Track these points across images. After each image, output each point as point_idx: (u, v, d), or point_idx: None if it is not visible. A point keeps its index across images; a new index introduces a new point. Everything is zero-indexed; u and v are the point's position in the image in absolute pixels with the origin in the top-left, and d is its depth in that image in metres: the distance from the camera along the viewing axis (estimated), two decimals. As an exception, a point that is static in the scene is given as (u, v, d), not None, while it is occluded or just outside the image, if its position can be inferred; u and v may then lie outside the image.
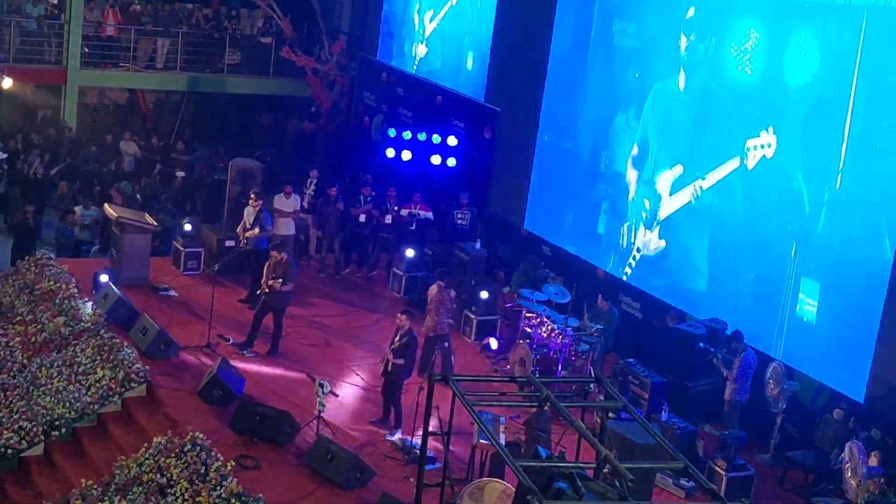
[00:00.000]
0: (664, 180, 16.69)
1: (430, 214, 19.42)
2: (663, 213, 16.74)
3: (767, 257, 15.13)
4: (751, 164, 15.22)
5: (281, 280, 15.56)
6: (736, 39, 15.66)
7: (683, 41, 16.50)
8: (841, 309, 14.19)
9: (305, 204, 19.65)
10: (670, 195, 16.52)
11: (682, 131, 16.52)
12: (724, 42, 15.82)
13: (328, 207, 19.30)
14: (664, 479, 13.37)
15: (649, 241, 16.93)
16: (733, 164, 15.56)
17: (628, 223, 17.45)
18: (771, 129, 15.06)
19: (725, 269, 15.78)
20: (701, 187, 16.02)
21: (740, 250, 15.58)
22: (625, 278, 17.39)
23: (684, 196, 16.28)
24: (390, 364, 14.07)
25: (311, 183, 20.04)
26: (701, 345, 14.98)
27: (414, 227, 19.19)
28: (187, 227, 18.79)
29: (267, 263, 15.94)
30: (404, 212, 19.24)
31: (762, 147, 15.09)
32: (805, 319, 14.53)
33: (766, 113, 15.18)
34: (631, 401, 14.28)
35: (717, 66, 15.95)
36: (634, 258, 17.21)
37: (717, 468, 13.42)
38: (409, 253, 18.51)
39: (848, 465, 12.69)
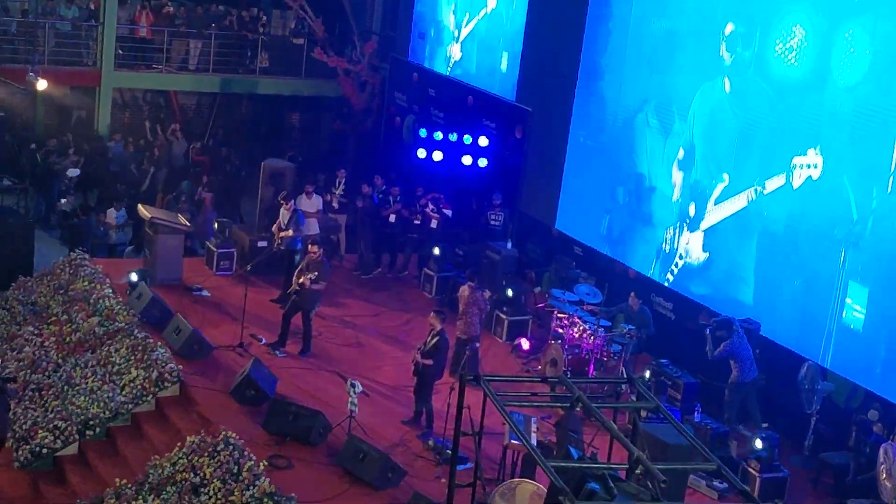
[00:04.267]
0: (711, 186, 16.51)
1: (431, 220, 19.38)
2: (710, 221, 16.53)
3: (815, 263, 14.93)
4: (796, 182, 15.04)
5: (313, 277, 15.58)
6: (781, 37, 15.39)
7: (725, 41, 16.28)
8: (889, 314, 13.98)
9: (335, 204, 19.69)
10: (717, 203, 16.35)
11: (729, 136, 16.22)
12: (768, 40, 15.53)
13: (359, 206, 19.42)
14: (697, 481, 13.31)
15: (692, 248, 16.76)
16: (779, 180, 15.37)
17: (672, 228, 17.27)
18: (818, 148, 14.78)
19: (771, 276, 15.58)
20: (751, 197, 15.81)
21: (787, 257, 15.38)
22: (666, 284, 17.23)
23: (733, 205, 16.08)
24: (420, 364, 14.09)
25: (339, 183, 20.09)
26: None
27: (435, 227, 19.22)
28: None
29: (304, 261, 15.97)
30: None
31: (808, 167, 14.89)
32: (852, 326, 14.33)
33: (813, 118, 14.86)
34: (665, 401, 14.25)
35: (762, 66, 15.66)
36: (677, 265, 17.06)
37: (750, 469, 13.35)
38: (436, 251, 18.52)
39: (883, 466, 12.58)
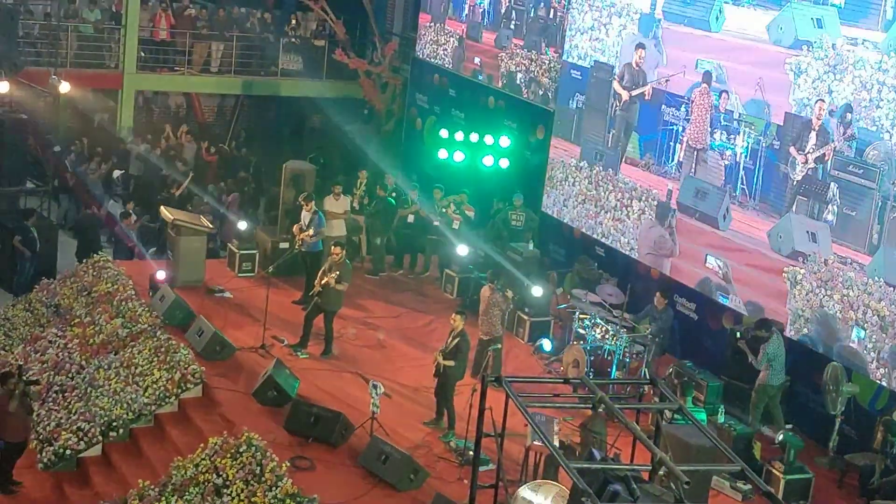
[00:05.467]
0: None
1: (453, 221, 19.34)
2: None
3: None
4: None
5: (335, 278, 15.58)
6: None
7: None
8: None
9: (356, 205, 19.71)
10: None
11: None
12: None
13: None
14: (720, 482, 13.24)
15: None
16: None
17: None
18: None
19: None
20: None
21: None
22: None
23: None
24: (441, 366, 14.07)
25: (360, 184, 20.11)
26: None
27: (457, 227, 19.26)
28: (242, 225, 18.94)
29: (327, 263, 15.98)
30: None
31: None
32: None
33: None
34: (690, 403, 14.19)
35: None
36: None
37: (774, 470, 13.27)
38: (462, 251, 18.51)
39: (909, 468, 12.49)
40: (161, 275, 17.14)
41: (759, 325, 14.60)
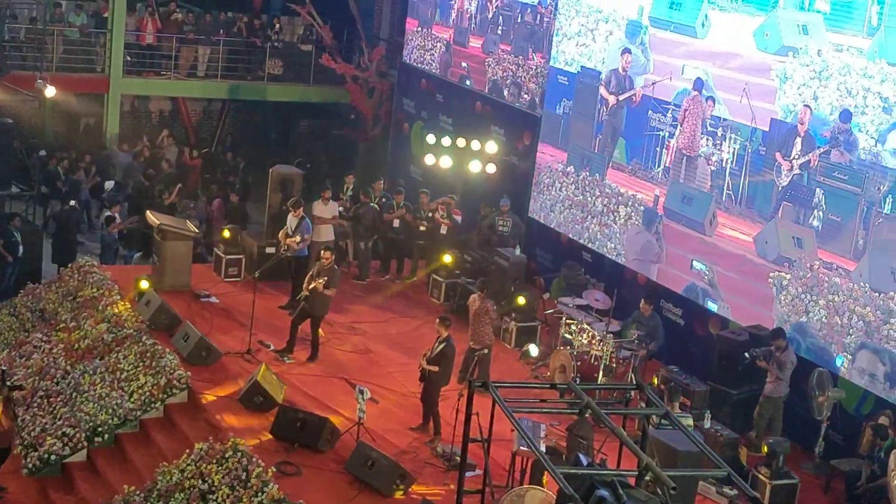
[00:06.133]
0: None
1: (440, 226, 19.35)
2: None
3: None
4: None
5: (323, 282, 15.54)
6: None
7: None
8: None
9: (342, 209, 19.68)
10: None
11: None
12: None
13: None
14: (707, 487, 13.25)
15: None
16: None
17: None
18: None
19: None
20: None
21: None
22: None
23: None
24: (426, 371, 14.05)
25: (347, 189, 20.08)
26: (745, 354, 14.81)
27: (445, 232, 19.29)
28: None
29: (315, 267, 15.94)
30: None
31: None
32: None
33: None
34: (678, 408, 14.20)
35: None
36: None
37: (760, 476, 13.28)
38: (447, 259, 18.53)
39: (894, 472, 12.51)
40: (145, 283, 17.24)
41: (775, 335, 14.52)
